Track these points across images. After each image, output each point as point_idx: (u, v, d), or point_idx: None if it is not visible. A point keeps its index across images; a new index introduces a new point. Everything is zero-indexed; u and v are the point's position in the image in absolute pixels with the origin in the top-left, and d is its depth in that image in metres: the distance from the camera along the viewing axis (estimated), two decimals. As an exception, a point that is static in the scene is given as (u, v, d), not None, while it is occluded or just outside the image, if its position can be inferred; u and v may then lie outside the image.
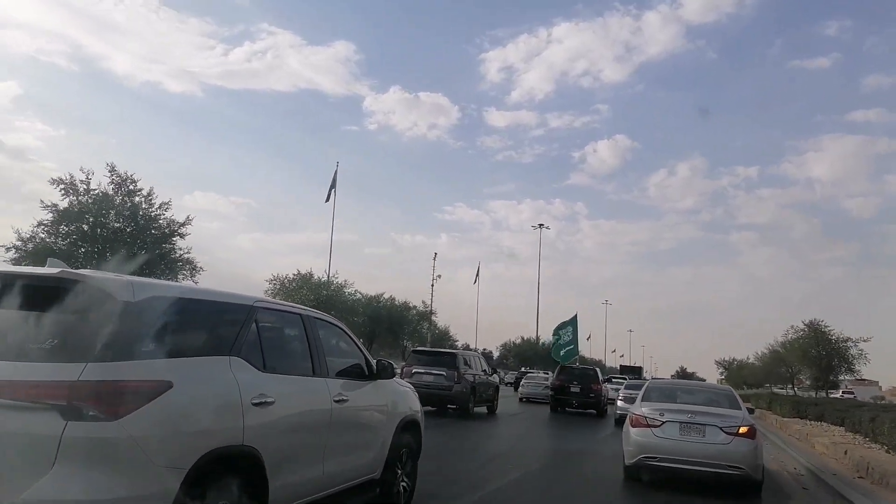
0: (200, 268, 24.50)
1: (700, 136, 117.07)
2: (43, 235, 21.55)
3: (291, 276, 37.18)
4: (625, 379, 31.24)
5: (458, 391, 16.83)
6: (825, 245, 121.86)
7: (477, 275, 61.89)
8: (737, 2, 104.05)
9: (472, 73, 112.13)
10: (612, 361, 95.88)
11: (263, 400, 3.63)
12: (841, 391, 49.87)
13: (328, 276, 37.26)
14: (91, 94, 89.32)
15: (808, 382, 47.92)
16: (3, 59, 67.39)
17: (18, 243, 21.18)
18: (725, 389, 10.54)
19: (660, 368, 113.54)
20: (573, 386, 22.33)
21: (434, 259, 48.34)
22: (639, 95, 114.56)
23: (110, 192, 22.49)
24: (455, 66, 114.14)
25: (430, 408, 14.44)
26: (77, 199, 21.83)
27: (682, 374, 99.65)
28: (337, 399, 4.47)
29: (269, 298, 5.38)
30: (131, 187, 22.85)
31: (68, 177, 21.77)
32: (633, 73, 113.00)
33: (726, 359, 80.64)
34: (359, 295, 40.26)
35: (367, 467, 4.95)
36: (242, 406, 3.47)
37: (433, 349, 23.69)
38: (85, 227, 22.01)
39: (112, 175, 22.53)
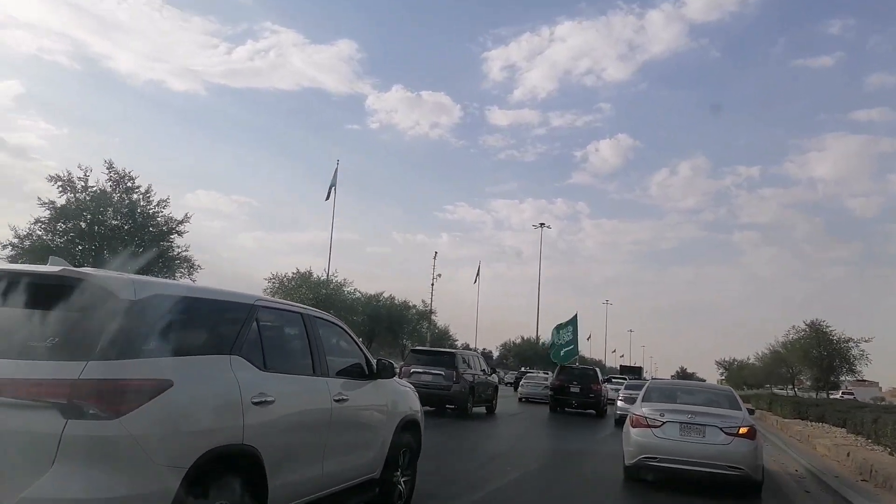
0: (198, 266, 24.55)
1: (702, 136, 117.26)
2: (40, 233, 21.56)
3: (290, 275, 37.23)
4: (625, 379, 31.28)
5: (457, 391, 16.84)
6: (828, 245, 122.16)
7: (477, 274, 62.00)
8: (740, 0, 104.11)
9: (475, 72, 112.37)
10: (613, 361, 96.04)
11: (264, 399, 3.64)
12: (841, 392, 49.89)
13: (327, 275, 37.33)
14: (94, 93, 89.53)
15: (808, 383, 47.98)
16: (6, 58, 67.54)
17: (15, 240, 21.19)
18: (725, 390, 10.57)
19: (660, 369, 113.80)
20: (573, 386, 22.36)
21: (434, 258, 48.38)
22: (641, 94, 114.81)
23: (108, 190, 22.50)
24: (457, 65, 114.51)
25: (428, 408, 14.44)
26: (75, 196, 21.84)
27: (682, 374, 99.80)
28: (337, 398, 4.48)
29: (270, 297, 5.40)
30: (129, 184, 22.87)
31: (66, 174, 21.80)
32: (636, 72, 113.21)
33: (727, 359, 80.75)
34: (358, 294, 40.34)
35: (366, 467, 4.97)
36: (243, 405, 3.48)
37: (432, 349, 23.71)
38: (82, 224, 22.03)
39: (110, 172, 22.56)
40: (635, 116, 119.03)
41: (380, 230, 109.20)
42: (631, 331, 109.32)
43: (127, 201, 22.80)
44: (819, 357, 41.17)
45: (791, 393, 49.16)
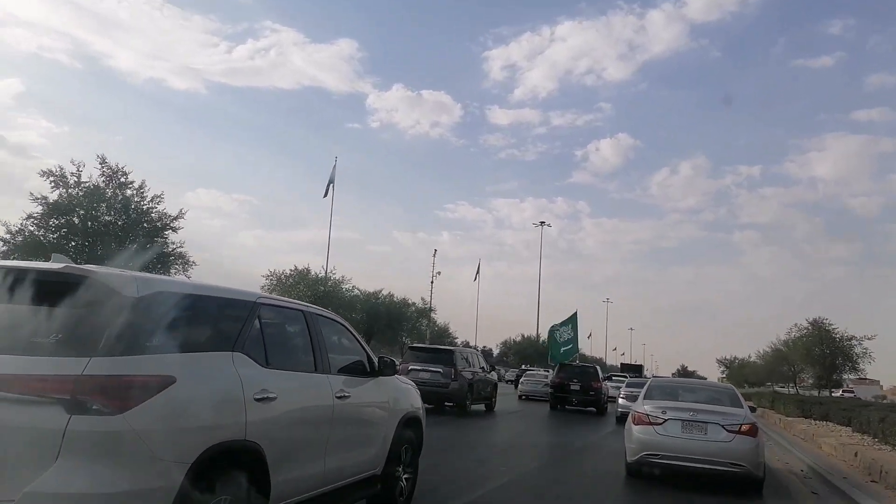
0: (193, 262, 24.56)
1: (703, 135, 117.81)
2: (32, 228, 21.53)
3: (288, 272, 37.28)
4: (625, 377, 31.39)
5: (456, 388, 16.91)
6: (828, 244, 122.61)
7: (477, 272, 62.19)
8: (740, 0, 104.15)
9: (475, 72, 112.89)
10: (613, 359, 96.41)
11: (266, 395, 3.68)
12: (841, 390, 50.09)
13: (325, 272, 37.38)
14: (94, 92, 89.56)
15: (810, 381, 48.17)
16: (6, 56, 67.46)
17: (7, 236, 21.17)
18: (727, 388, 10.65)
19: (660, 367, 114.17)
20: (573, 384, 22.45)
21: (434, 255, 48.52)
22: (642, 94, 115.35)
23: (101, 185, 22.46)
24: (458, 65, 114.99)
25: (426, 405, 14.50)
26: (67, 191, 21.81)
27: (683, 372, 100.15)
28: (339, 395, 4.53)
29: (273, 295, 5.44)
30: (122, 180, 22.84)
31: (58, 169, 21.76)
32: (637, 72, 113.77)
33: (727, 357, 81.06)
34: (357, 291, 40.42)
35: (368, 463, 5.03)
36: (245, 401, 3.52)
37: (430, 346, 23.78)
38: (75, 220, 22.00)
39: (103, 167, 22.52)
40: (636, 116, 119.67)
41: (380, 229, 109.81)
42: (631, 329, 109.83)
43: (120, 197, 22.78)
44: (821, 355, 41.33)
45: (793, 391, 49.37)
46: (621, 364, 65.50)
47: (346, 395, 4.63)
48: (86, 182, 22.07)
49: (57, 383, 2.83)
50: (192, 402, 3.22)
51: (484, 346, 70.05)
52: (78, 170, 21.95)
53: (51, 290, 3.10)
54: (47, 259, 3.85)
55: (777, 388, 55.96)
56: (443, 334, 54.42)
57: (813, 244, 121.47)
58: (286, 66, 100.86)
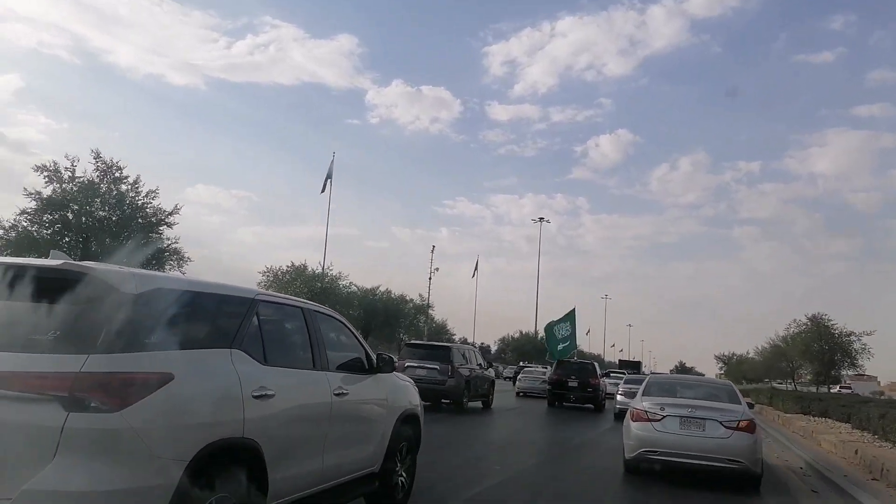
0: (188, 258, 24.49)
1: (703, 131, 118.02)
2: (25, 224, 21.46)
3: (285, 269, 37.27)
4: (623, 373, 31.49)
5: (452, 385, 16.95)
6: (827, 240, 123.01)
7: (475, 268, 62.34)
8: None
9: (475, 67, 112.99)
10: (612, 356, 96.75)
11: (264, 393, 3.70)
12: (839, 386, 50.29)
13: (322, 269, 37.36)
14: (94, 88, 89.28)
15: (809, 377, 48.37)
16: (6, 52, 67.16)
17: (0, 232, 21.09)
18: (725, 384, 10.72)
19: (659, 363, 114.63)
20: (571, 380, 22.52)
21: (432, 252, 48.59)
22: (642, 89, 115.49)
23: (95, 180, 22.37)
24: (458, 60, 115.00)
25: (423, 402, 14.55)
26: (61, 186, 21.72)
27: (681, 368, 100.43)
28: (337, 392, 4.55)
29: (271, 291, 5.46)
30: (117, 174, 22.74)
31: (52, 164, 21.67)
32: (637, 67, 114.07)
33: (726, 353, 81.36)
34: (354, 287, 40.42)
35: (366, 461, 5.05)
36: (243, 398, 3.54)
37: (427, 342, 23.83)
38: (69, 215, 21.92)
39: (97, 162, 22.42)
40: (636, 112, 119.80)
41: (379, 225, 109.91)
42: (630, 325, 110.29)
43: (115, 192, 22.69)
44: (820, 351, 41.48)
45: (791, 387, 49.57)
46: (619, 360, 65.74)
47: (345, 392, 4.65)
48: (80, 177, 21.99)
49: (55, 380, 2.84)
50: (191, 400, 3.23)
51: (482, 343, 70.14)
52: (72, 164, 21.86)
53: (49, 286, 3.10)
54: (43, 255, 3.86)
55: (775, 385, 56.19)
56: (441, 331, 54.50)
57: (813, 240, 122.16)
58: (286, 61, 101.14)
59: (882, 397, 39.30)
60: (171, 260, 24.06)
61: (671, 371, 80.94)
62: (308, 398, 4.27)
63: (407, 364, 17.09)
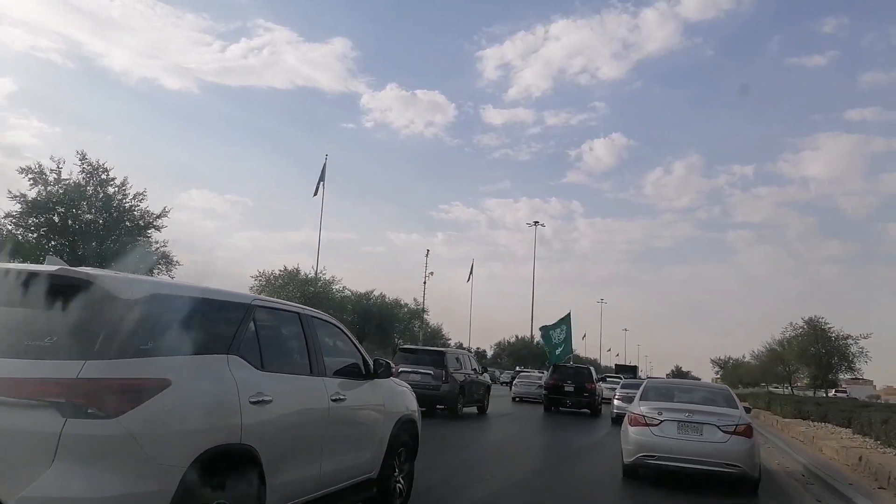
0: (177, 262, 24.42)
1: (697, 134, 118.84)
2: (10, 227, 21.33)
3: (278, 273, 37.22)
4: (619, 378, 31.61)
5: (447, 391, 16.97)
6: (820, 243, 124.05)
7: (470, 272, 62.41)
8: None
9: (469, 71, 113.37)
10: (608, 360, 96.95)
11: (261, 398, 3.74)
12: (834, 390, 50.62)
13: (315, 273, 37.34)
14: (87, 91, 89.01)
15: (806, 381, 48.65)
16: None
17: (-16, 236, 20.95)
18: (722, 388, 10.82)
19: (655, 367, 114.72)
20: (567, 385, 22.60)
21: (426, 256, 48.72)
22: (636, 93, 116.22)
23: (81, 182, 22.27)
24: (452, 64, 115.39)
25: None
26: (46, 189, 21.61)
27: (678, 373, 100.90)
28: (334, 398, 4.60)
29: (268, 297, 5.49)
30: (103, 177, 22.65)
31: (37, 165, 21.56)
32: (631, 71, 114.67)
33: (722, 357, 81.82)
34: (347, 292, 40.40)
35: (364, 466, 5.09)
36: (240, 404, 3.58)
37: (420, 347, 23.84)
38: (55, 218, 21.80)
39: (83, 164, 22.31)
40: (629, 115, 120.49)
41: (375, 229, 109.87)
42: (626, 330, 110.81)
43: (101, 195, 22.60)
44: (817, 354, 41.75)
45: (787, 391, 49.85)
46: (616, 365, 65.83)
47: (342, 397, 4.69)
48: (66, 179, 21.89)
49: (52, 387, 2.87)
50: (188, 406, 3.27)
51: (478, 348, 70.29)
52: (58, 166, 21.75)
53: (45, 292, 3.14)
54: (29, 260, 3.88)
55: (772, 389, 56.51)
56: (436, 335, 54.51)
57: (806, 243, 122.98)
58: (279, 65, 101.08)
59: (878, 401, 39.62)
60: (160, 264, 23.98)
61: (667, 375, 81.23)
62: (305, 404, 4.31)
63: (400, 369, 17.07)
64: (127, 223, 23.12)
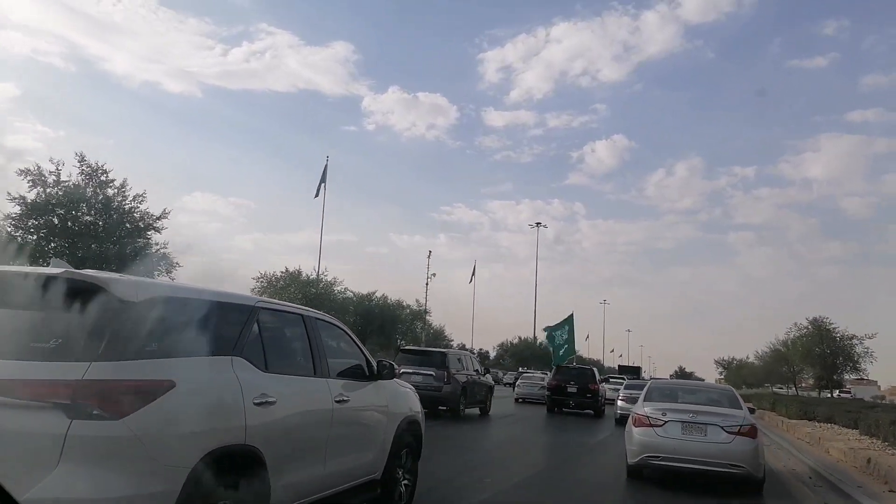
0: (177, 264, 24.43)
1: (698, 136, 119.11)
2: (10, 229, 21.37)
3: (279, 274, 37.27)
4: (623, 379, 31.62)
5: (449, 392, 16.98)
6: (822, 244, 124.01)
7: (472, 273, 62.53)
8: (735, 1, 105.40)
9: (471, 73, 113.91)
10: (611, 361, 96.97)
11: (265, 400, 3.77)
12: (839, 391, 50.56)
13: (317, 274, 37.36)
14: (89, 95, 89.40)
15: (810, 382, 48.57)
16: (1, 59, 66.79)
17: (-17, 238, 21.00)
18: (726, 389, 10.83)
19: (658, 368, 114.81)
20: (570, 386, 22.61)
21: (429, 257, 48.79)
22: (637, 95, 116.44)
23: (81, 184, 22.30)
24: (453, 67, 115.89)
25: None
26: (45, 191, 21.65)
27: (681, 373, 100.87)
28: (338, 399, 4.62)
29: (271, 299, 5.53)
30: (103, 178, 22.69)
31: (36, 167, 21.60)
32: (632, 73, 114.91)
33: (725, 358, 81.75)
34: (349, 293, 40.44)
35: (368, 467, 5.12)
36: (244, 406, 3.61)
37: (422, 348, 23.87)
38: (55, 220, 21.85)
39: (82, 165, 22.35)
40: (631, 117, 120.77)
41: (378, 231, 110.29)
42: (629, 331, 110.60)
43: (101, 196, 22.64)
44: (822, 355, 41.68)
45: (792, 392, 49.77)
46: (619, 366, 65.83)
47: (346, 399, 4.71)
48: (65, 181, 21.93)
49: (57, 388, 2.90)
50: (192, 407, 3.30)
51: (480, 349, 70.28)
52: (57, 168, 21.79)
53: (50, 294, 3.16)
54: (29, 262, 3.91)
55: (776, 390, 56.45)
56: (438, 337, 54.55)
57: (807, 244, 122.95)
58: (281, 68, 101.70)
59: (884, 401, 39.58)
60: (160, 265, 24.00)
61: (671, 376, 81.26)
62: (309, 405, 4.34)
63: (402, 370, 17.08)
64: (127, 225, 23.14)
